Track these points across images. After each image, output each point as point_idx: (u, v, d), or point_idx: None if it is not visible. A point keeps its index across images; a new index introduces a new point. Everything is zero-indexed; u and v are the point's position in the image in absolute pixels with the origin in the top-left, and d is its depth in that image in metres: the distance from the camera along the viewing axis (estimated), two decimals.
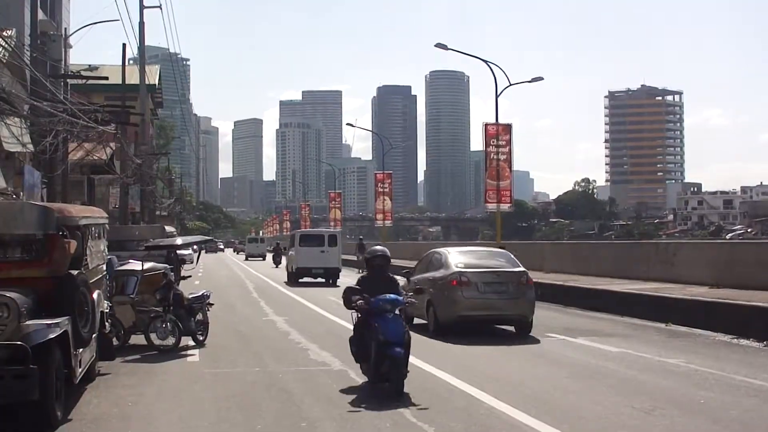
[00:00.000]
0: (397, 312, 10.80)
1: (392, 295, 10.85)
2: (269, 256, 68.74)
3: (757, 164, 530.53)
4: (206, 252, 68.49)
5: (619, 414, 9.32)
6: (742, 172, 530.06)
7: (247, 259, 73.11)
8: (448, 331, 16.66)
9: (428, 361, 13.01)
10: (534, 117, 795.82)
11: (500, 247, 24.35)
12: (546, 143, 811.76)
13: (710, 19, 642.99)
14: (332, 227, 70.95)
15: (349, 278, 30.45)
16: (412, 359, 13.08)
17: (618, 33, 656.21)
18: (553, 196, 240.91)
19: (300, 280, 34.65)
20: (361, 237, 66.55)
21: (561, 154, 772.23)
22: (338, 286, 31.50)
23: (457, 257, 17.96)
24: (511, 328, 17.33)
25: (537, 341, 15.89)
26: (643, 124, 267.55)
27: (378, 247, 12.09)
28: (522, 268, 17.56)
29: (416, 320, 17.95)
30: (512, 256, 18.62)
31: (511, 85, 36.21)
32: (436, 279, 17.43)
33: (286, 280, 37.98)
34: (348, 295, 11.16)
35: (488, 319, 17.40)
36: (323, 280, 35.75)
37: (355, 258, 45.79)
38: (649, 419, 9.08)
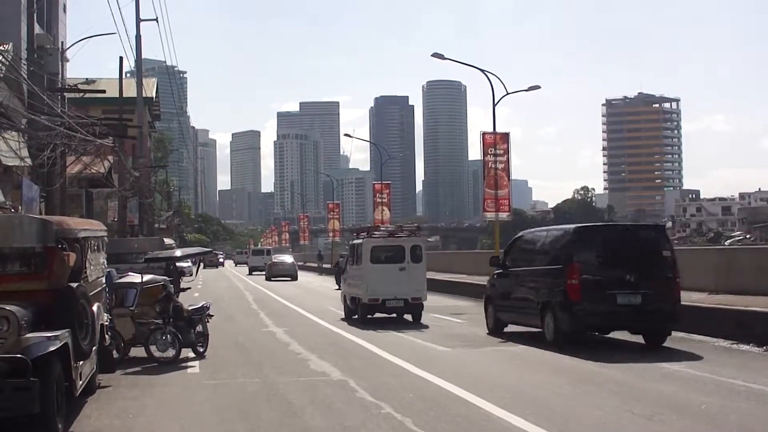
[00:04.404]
0: None
1: None
2: None
3: (757, 170, 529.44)
4: (204, 266, 62.91)
5: (619, 419, 9.34)
6: (742, 177, 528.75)
7: (236, 265, 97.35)
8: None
9: (426, 369, 13.05)
10: (536, 125, 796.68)
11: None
12: (547, 152, 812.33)
13: (714, 24, 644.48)
14: (330, 238, 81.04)
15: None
16: (409, 367, 13.32)
17: (622, 41, 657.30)
18: (551, 204, 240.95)
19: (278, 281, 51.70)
20: (320, 250, 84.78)
21: (561, 162, 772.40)
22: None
23: (276, 258, 61.33)
24: (513, 337, 17.43)
25: (536, 348, 15.87)
26: (640, 131, 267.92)
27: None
28: (293, 260, 59.59)
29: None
30: (292, 256, 67.50)
31: (508, 94, 36.37)
32: (269, 263, 57.98)
33: (247, 273, 67.19)
34: None
35: (282, 275, 53.44)
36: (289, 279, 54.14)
37: (315, 264, 72.26)
38: (650, 425, 9.10)
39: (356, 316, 22.93)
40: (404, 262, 22.26)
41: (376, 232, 24.09)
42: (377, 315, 22.74)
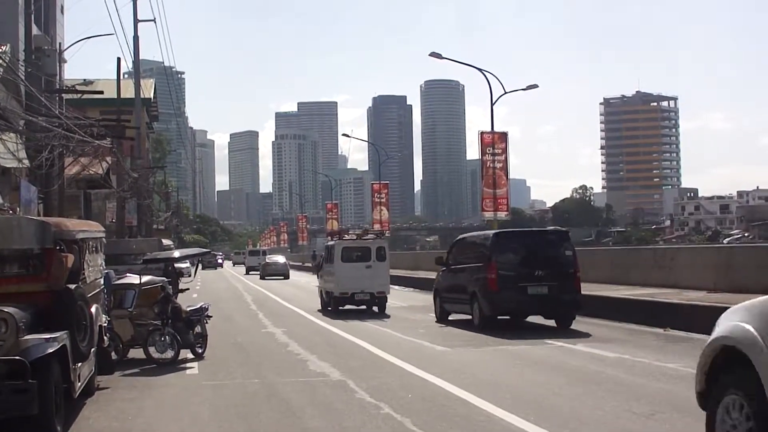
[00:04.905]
0: None
1: None
2: None
3: (755, 168, 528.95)
4: (203, 267, 61.96)
5: (618, 418, 9.32)
6: (741, 175, 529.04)
7: (234, 266, 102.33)
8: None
9: (425, 369, 13.02)
10: (534, 124, 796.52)
11: None
12: (545, 151, 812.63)
13: (713, 22, 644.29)
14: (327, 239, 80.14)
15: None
16: (408, 367, 13.37)
17: (620, 40, 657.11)
18: (550, 203, 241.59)
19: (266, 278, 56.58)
20: (314, 250, 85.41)
21: (560, 161, 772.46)
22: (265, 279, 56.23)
23: (269, 258, 65.74)
24: (503, 333, 17.46)
25: (535, 347, 15.88)
26: (638, 130, 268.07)
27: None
28: (285, 260, 62.77)
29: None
30: (284, 257, 69.45)
31: (506, 93, 36.50)
32: (263, 264, 62.32)
33: (243, 273, 72.06)
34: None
35: (274, 274, 57.07)
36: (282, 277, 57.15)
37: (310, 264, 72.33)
38: (649, 423, 9.09)
39: (330, 308, 26.09)
40: (370, 260, 25.71)
41: (346, 235, 27.85)
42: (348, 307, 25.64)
